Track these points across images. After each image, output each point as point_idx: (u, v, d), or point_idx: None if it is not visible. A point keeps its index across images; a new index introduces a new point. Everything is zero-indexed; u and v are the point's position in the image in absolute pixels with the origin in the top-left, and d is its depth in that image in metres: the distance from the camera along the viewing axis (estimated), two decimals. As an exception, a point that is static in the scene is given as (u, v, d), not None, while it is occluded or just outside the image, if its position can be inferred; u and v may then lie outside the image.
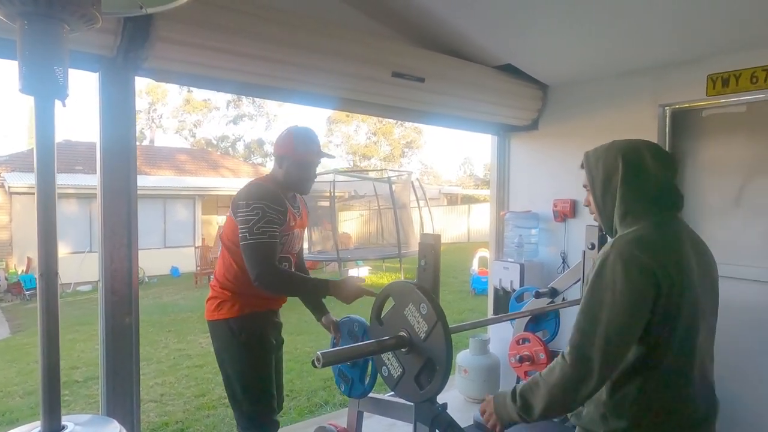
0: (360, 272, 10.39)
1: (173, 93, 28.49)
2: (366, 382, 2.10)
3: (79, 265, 11.03)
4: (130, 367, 2.32)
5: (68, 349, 5.79)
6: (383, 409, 2.15)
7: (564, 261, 3.59)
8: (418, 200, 10.26)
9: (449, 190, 21.83)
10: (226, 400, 4.06)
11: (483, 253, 8.21)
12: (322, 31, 2.48)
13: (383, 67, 2.73)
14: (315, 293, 2.11)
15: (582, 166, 1.41)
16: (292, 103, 2.77)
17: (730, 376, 2.96)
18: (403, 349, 1.68)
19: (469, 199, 22.43)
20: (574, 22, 2.80)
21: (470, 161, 40.74)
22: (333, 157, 2.14)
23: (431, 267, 1.82)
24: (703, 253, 1.32)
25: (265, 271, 1.89)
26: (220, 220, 15.86)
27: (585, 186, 1.41)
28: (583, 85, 3.47)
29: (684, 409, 1.25)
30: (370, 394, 2.17)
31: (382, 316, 1.78)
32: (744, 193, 2.94)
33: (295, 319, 6.79)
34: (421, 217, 8.73)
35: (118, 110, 2.21)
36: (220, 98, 29.42)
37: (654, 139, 3.12)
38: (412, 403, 1.97)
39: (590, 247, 2.56)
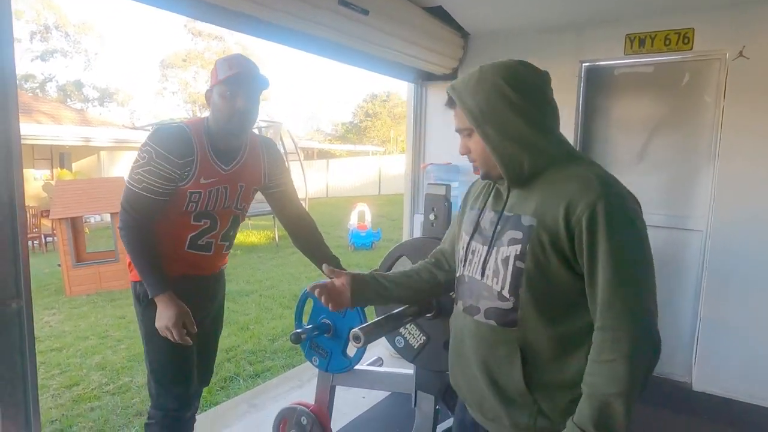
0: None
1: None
2: (353, 354, 1.85)
3: None
4: (22, 369, 1.73)
5: None
6: (364, 380, 1.93)
7: (482, 213, 3.64)
8: (286, 153, 9.76)
9: (305, 144, 21.25)
10: (109, 387, 3.48)
11: (362, 207, 8.17)
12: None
13: (330, -8, 2.35)
14: (145, 282, 1.65)
15: (449, 105, 1.12)
16: (221, 26, 2.24)
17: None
18: (428, 315, 1.48)
19: (325, 154, 22.19)
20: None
21: (317, 116, 40.21)
22: (268, 86, 1.66)
23: (442, 220, 1.62)
24: None
25: (124, 223, 1.63)
26: (37, 174, 13.33)
27: (461, 130, 1.12)
28: (505, 37, 3.45)
29: None
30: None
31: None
32: (646, 149, 3.24)
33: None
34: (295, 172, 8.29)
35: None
36: (21, 28, 24.21)
37: (574, 94, 3.26)
38: (405, 372, 1.81)
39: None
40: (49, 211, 7.53)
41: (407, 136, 3.93)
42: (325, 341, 1.89)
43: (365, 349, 1.85)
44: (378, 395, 2.79)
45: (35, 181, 12.97)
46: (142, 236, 1.63)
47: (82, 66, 32.39)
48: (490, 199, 1.17)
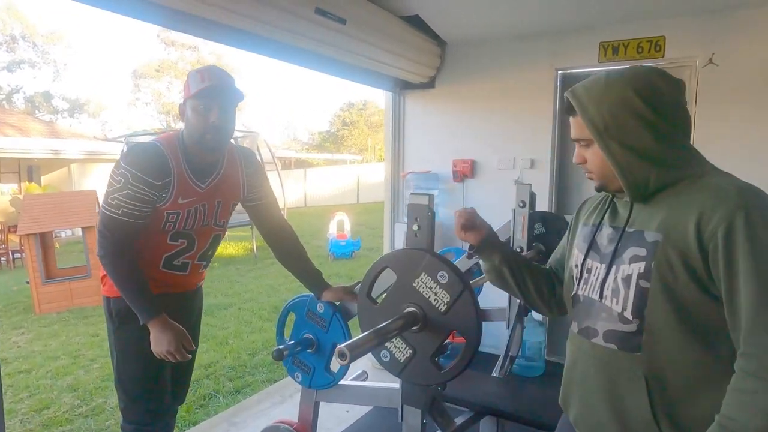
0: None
1: None
2: (337, 370, 1.81)
3: None
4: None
5: None
6: (349, 395, 1.89)
7: (463, 221, 3.64)
8: (263, 163, 9.67)
9: (282, 153, 21.08)
10: (82, 409, 3.35)
11: (340, 216, 8.12)
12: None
13: (306, 1, 2.33)
14: (135, 308, 1.57)
15: (567, 113, 1.06)
16: (195, 35, 2.20)
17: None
18: (414, 328, 1.45)
19: (302, 163, 22.04)
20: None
21: (293, 125, 39.97)
22: (243, 99, 1.59)
23: (426, 231, 1.59)
24: None
25: (105, 251, 1.54)
26: (4, 188, 12.90)
27: (578, 140, 1.05)
28: (481, 45, 3.47)
29: None
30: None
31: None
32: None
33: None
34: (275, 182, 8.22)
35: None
36: (-15, 38, 23.51)
37: (550, 102, 3.28)
38: (391, 386, 1.77)
39: (521, 205, 2.57)
40: (17, 226, 7.28)
41: (386, 145, 3.91)
42: (308, 357, 1.85)
43: (350, 365, 1.81)
44: (363, 408, 2.74)
45: (2, 195, 12.54)
46: (126, 261, 1.55)
47: (50, 77, 31.57)
48: (607, 214, 1.08)
